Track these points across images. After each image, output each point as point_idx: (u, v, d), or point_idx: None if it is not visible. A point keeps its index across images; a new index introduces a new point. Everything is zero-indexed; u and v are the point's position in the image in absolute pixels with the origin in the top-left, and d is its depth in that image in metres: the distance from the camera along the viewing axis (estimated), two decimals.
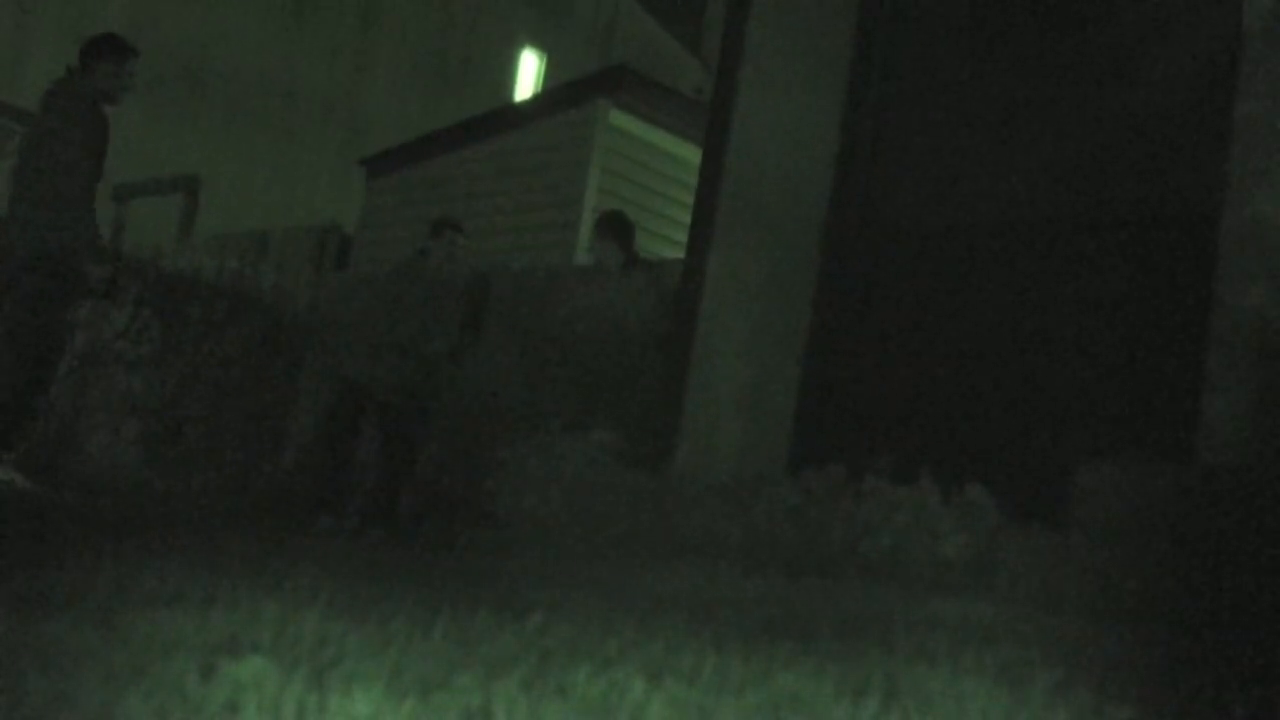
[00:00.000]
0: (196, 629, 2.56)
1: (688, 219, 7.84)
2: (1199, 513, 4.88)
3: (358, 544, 6.42)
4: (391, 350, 8.18)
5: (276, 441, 9.56)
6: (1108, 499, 5.17)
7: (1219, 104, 5.70)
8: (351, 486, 8.28)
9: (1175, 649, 3.96)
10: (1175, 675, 3.33)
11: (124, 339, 9.40)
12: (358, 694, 2.13)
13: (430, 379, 8.28)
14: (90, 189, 7.23)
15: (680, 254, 7.99)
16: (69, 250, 7.15)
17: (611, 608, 3.56)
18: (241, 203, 16.06)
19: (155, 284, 9.64)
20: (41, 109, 7.52)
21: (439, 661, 2.49)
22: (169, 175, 15.27)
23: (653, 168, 11.11)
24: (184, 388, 9.67)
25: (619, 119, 10.98)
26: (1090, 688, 2.85)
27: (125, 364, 9.38)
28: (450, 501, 8.11)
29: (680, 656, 2.80)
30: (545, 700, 2.27)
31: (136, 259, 10.17)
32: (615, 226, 8.65)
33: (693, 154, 8.85)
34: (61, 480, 8.40)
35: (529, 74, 21.22)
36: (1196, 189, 5.84)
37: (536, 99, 15.76)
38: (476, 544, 6.67)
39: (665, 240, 10.66)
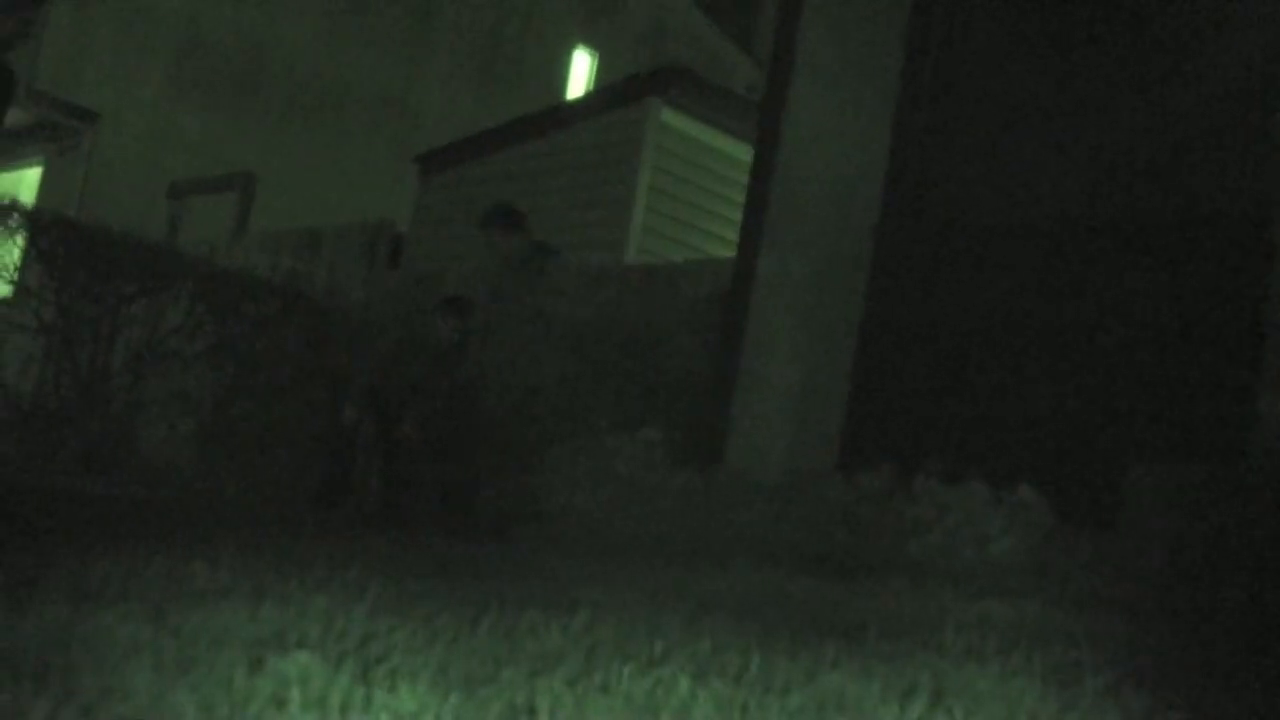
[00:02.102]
0: (245, 623, 2.58)
1: (739, 218, 7.82)
2: (1252, 516, 4.82)
3: (411, 540, 6.46)
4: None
5: (327, 439, 9.62)
6: (1160, 501, 5.12)
7: (1272, 105, 5.64)
8: (348, 483, 8.36)
9: (1226, 652, 3.92)
10: (1226, 678, 3.30)
11: (179, 335, 9.48)
12: (404, 689, 2.14)
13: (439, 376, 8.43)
14: None
15: (732, 253, 7.97)
16: None
17: (658, 606, 3.56)
18: (294, 200, 16.14)
19: (210, 281, 9.72)
20: None
21: (485, 658, 2.50)
22: (224, 173, 15.37)
23: (704, 166, 11.08)
24: (237, 384, 9.75)
25: (670, 118, 10.96)
26: (1141, 690, 2.82)
27: (180, 360, 9.46)
28: (500, 498, 8.13)
29: (726, 656, 2.79)
30: (590, 698, 2.27)
31: (191, 256, 10.26)
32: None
33: (745, 153, 8.83)
34: (116, 474, 8.49)
35: (581, 73, 21.25)
36: (1251, 189, 5.77)
37: (589, 98, 15.75)
38: (525, 541, 6.69)
39: (717, 239, 10.63)
